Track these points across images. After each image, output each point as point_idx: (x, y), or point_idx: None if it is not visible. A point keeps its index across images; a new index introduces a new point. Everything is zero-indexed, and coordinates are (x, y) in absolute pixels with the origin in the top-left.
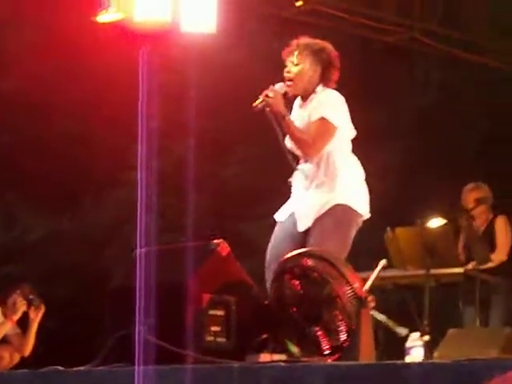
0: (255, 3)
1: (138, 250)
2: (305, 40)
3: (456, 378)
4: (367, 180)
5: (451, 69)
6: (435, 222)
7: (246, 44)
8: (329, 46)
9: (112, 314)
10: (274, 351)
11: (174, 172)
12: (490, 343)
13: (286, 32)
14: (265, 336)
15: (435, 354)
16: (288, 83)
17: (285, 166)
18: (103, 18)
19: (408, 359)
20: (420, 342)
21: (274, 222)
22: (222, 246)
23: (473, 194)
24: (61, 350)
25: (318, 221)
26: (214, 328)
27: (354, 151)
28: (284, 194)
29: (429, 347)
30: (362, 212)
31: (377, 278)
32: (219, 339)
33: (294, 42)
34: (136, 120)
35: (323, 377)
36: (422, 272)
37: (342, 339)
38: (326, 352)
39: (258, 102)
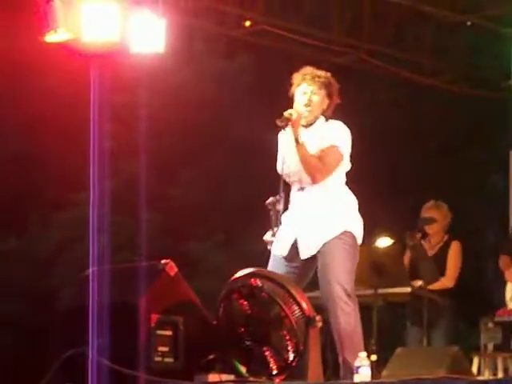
0: (204, 23)
1: (90, 270)
2: (319, 72)
3: None
4: None
5: (399, 89)
6: (383, 242)
7: (195, 64)
8: (334, 81)
9: (60, 334)
10: (222, 371)
11: (125, 191)
12: (437, 362)
13: (235, 52)
14: (213, 356)
15: (383, 374)
16: (307, 109)
17: (231, 185)
18: (52, 38)
19: (356, 379)
20: (367, 362)
21: (221, 241)
22: (170, 266)
23: (431, 212)
24: (6, 371)
25: (328, 246)
26: (161, 348)
27: None
28: (229, 213)
29: (377, 367)
30: (359, 241)
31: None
32: (167, 359)
33: (309, 71)
34: (87, 140)
35: None
36: (369, 292)
37: (290, 359)
38: (274, 372)
39: (281, 119)
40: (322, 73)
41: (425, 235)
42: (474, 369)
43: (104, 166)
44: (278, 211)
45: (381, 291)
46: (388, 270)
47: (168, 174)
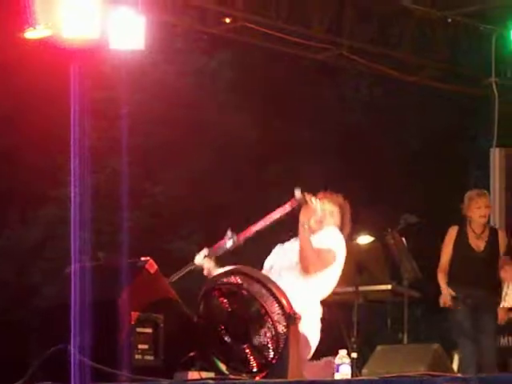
0: (183, 20)
1: (71, 267)
2: (341, 201)
3: None
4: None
5: (380, 86)
6: (363, 240)
7: (175, 60)
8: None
9: (41, 331)
10: (202, 369)
11: (107, 188)
12: (418, 360)
13: (215, 49)
14: (193, 354)
15: (363, 371)
16: (317, 221)
17: (213, 182)
18: (31, 34)
19: (336, 376)
20: (348, 359)
21: (203, 239)
22: (150, 264)
23: (484, 199)
24: None
25: None
26: (142, 346)
27: (276, 168)
28: (211, 210)
29: (357, 364)
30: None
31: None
32: (147, 357)
33: (336, 200)
34: (68, 136)
35: None
36: (350, 289)
37: (270, 357)
38: (254, 370)
39: (301, 197)
40: (342, 202)
41: (403, 233)
42: (455, 366)
43: (85, 163)
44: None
45: (361, 289)
46: (369, 267)
47: (150, 171)
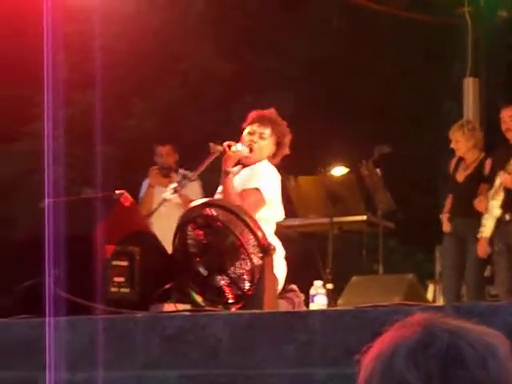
0: None
1: (45, 201)
2: (276, 118)
3: (359, 325)
4: None
5: (352, 16)
6: (338, 171)
7: None
8: (288, 132)
9: (17, 266)
10: (178, 301)
11: (80, 123)
12: (393, 290)
13: None
14: (169, 286)
15: (339, 302)
16: (249, 153)
17: (181, 117)
18: None
19: (312, 307)
20: (323, 290)
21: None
22: (125, 197)
23: (455, 134)
24: None
25: None
26: (117, 279)
27: (248, 100)
28: (182, 144)
29: (332, 295)
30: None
31: (281, 226)
32: (123, 290)
33: (267, 114)
34: (40, 71)
35: (227, 325)
36: (325, 220)
37: (246, 288)
38: (230, 301)
39: (218, 146)
40: (278, 119)
41: (378, 163)
42: (429, 296)
43: (58, 97)
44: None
45: (336, 220)
46: (343, 198)
47: (122, 105)
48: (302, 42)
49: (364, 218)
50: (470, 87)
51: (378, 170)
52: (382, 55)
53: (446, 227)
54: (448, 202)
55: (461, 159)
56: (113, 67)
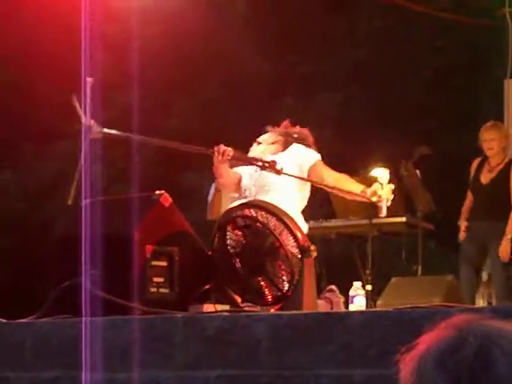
0: None
1: (83, 201)
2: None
3: (398, 326)
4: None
5: (392, 17)
6: (378, 172)
7: None
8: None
9: (56, 265)
10: (216, 301)
11: (119, 123)
12: (432, 291)
13: None
14: (208, 286)
15: (378, 303)
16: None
17: (223, 117)
18: None
19: (351, 308)
20: (362, 291)
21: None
22: (165, 197)
23: (490, 132)
24: (3, 302)
25: None
26: (156, 279)
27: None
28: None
29: (372, 296)
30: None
31: (320, 227)
32: (162, 290)
33: (284, 133)
34: (79, 71)
35: (266, 326)
36: (364, 222)
37: (285, 289)
38: (269, 302)
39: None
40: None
41: (417, 164)
42: None
43: (96, 97)
44: None
45: (376, 221)
46: None
47: (162, 105)
48: (342, 45)
49: (403, 219)
50: (510, 89)
51: (417, 171)
52: (422, 56)
53: (463, 236)
54: (466, 207)
55: (484, 161)
56: (151, 67)
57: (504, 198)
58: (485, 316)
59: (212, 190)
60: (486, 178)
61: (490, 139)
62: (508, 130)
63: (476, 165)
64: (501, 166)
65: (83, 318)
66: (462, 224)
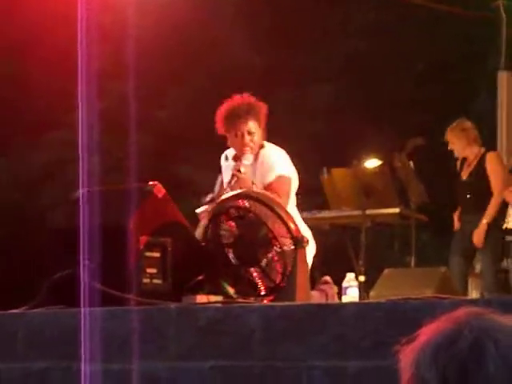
0: None
1: (79, 191)
2: (251, 105)
3: (391, 318)
4: (299, 121)
5: (386, 10)
6: (371, 163)
7: None
8: (264, 106)
9: (51, 255)
10: (210, 292)
11: (114, 113)
12: (426, 283)
13: None
14: (201, 277)
15: (371, 294)
16: (250, 152)
17: (215, 108)
18: None
19: (344, 299)
20: (356, 283)
21: (209, 162)
22: (158, 188)
23: (449, 134)
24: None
25: None
26: (150, 270)
27: (283, 94)
28: (212, 138)
29: (365, 287)
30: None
31: (313, 218)
32: (155, 281)
33: (243, 110)
34: (75, 61)
35: (259, 317)
36: (358, 212)
37: (278, 280)
38: (262, 293)
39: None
40: (254, 102)
41: (411, 155)
42: None
43: (92, 87)
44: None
45: (369, 212)
46: (376, 190)
47: (157, 96)
48: (336, 37)
49: (397, 210)
50: (504, 80)
51: (411, 163)
52: (416, 48)
53: (456, 226)
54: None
55: (464, 159)
56: (146, 58)
57: (486, 190)
58: (487, 310)
59: (217, 187)
60: (465, 173)
61: (450, 143)
62: (464, 124)
63: (458, 165)
64: (476, 160)
65: (81, 309)
66: (456, 215)
